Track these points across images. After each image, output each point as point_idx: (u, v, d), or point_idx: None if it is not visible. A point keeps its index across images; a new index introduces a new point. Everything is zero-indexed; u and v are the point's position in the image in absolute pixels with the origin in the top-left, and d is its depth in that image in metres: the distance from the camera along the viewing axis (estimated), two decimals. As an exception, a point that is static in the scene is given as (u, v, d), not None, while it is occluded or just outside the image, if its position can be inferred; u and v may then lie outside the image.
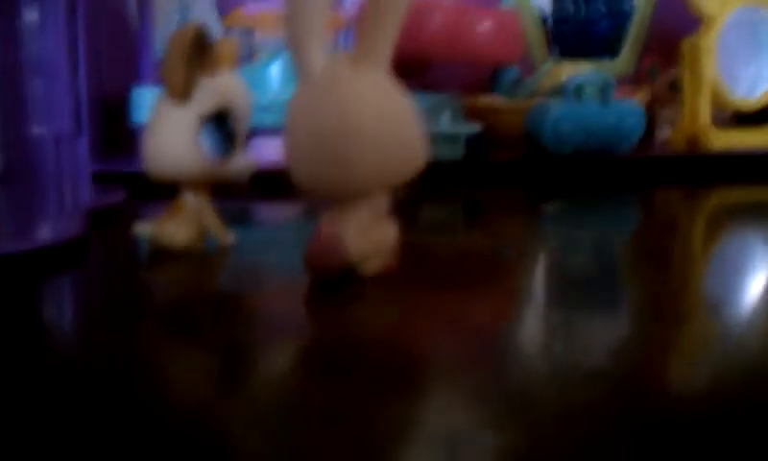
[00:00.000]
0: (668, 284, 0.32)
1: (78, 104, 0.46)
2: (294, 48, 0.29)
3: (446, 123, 0.59)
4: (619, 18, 0.82)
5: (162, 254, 0.34)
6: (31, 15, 0.44)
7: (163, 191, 0.35)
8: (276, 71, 0.57)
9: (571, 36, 0.83)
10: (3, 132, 0.44)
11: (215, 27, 0.68)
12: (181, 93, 0.31)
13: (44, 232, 0.37)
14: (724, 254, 0.40)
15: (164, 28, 0.66)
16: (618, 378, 0.21)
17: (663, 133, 0.73)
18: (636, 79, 0.81)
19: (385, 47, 0.28)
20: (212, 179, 0.34)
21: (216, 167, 0.33)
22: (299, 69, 0.29)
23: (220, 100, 0.32)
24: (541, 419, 0.18)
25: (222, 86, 0.32)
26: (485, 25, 0.62)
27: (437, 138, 0.59)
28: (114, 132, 0.62)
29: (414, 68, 0.68)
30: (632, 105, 0.64)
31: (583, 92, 0.62)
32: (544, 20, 0.82)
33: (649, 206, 0.57)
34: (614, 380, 0.20)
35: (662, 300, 0.30)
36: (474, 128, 0.61)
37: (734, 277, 0.33)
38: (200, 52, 0.31)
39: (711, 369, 0.22)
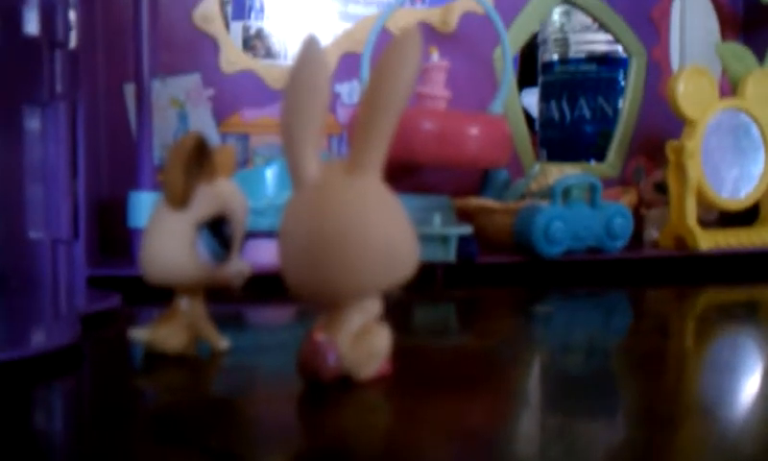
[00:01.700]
0: (662, 386, 0.32)
1: (76, 208, 0.46)
2: (289, 154, 0.29)
3: (438, 224, 0.60)
4: (604, 122, 0.84)
5: (156, 359, 0.34)
6: (32, 123, 0.45)
7: (159, 295, 0.35)
8: (270, 176, 0.58)
9: (558, 139, 0.85)
10: (0, 236, 0.44)
11: (212, 133, 0.70)
12: (180, 200, 0.32)
13: (38, 338, 0.37)
14: (716, 355, 0.40)
15: (163, 134, 0.68)
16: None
17: (651, 233, 0.74)
18: (622, 181, 0.83)
19: (378, 153, 0.29)
20: (208, 283, 0.34)
21: (212, 272, 0.33)
22: (294, 175, 0.29)
23: (217, 206, 0.33)
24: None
25: (219, 193, 0.33)
26: (474, 130, 0.64)
27: (428, 240, 0.60)
28: (111, 236, 0.62)
29: (405, 172, 0.70)
30: (619, 206, 0.65)
31: (571, 195, 0.64)
32: (532, 125, 0.84)
33: (639, 306, 0.57)
34: None
35: (657, 402, 0.30)
36: (465, 229, 0.61)
37: (728, 378, 0.34)
38: (199, 160, 0.32)
39: None
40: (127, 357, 0.37)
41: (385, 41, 0.29)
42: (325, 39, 0.74)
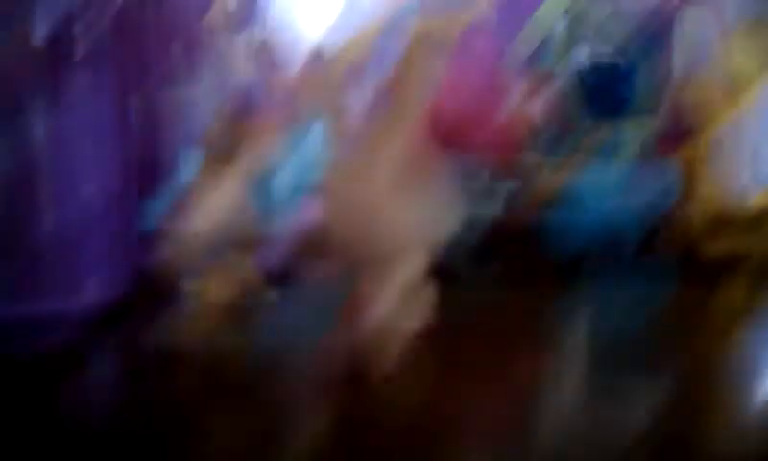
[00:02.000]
0: (707, 348, 0.32)
1: (128, 165, 0.47)
2: (332, 116, 0.30)
3: (485, 180, 0.60)
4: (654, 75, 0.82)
5: (207, 309, 0.35)
6: (84, 83, 0.46)
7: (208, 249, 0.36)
8: (316, 135, 0.58)
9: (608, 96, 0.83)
10: (55, 191, 0.45)
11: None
12: (228, 157, 0.32)
13: (93, 289, 0.38)
14: (762, 321, 0.39)
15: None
16: (661, 439, 0.21)
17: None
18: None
19: (417, 110, 0.29)
20: (257, 238, 0.34)
21: (260, 227, 0.34)
22: (335, 136, 0.30)
23: (264, 163, 0.33)
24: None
25: (266, 150, 0.33)
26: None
27: (476, 194, 0.59)
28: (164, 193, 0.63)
29: (452, 133, 0.69)
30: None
31: (621, 149, 0.62)
32: (583, 80, 0.82)
33: (688, 271, 0.56)
34: (657, 441, 0.20)
35: (701, 363, 0.29)
36: (513, 184, 0.61)
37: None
38: (246, 119, 0.32)
39: (753, 432, 0.22)
40: (178, 308, 0.38)
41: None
42: (331, 50, 0.72)
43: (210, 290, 0.35)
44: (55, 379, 0.27)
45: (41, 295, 0.35)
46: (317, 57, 0.26)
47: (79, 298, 0.35)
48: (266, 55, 0.68)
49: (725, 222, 0.74)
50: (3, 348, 0.30)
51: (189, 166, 0.57)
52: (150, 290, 0.41)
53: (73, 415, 0.22)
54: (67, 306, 0.34)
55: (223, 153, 0.32)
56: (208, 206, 0.33)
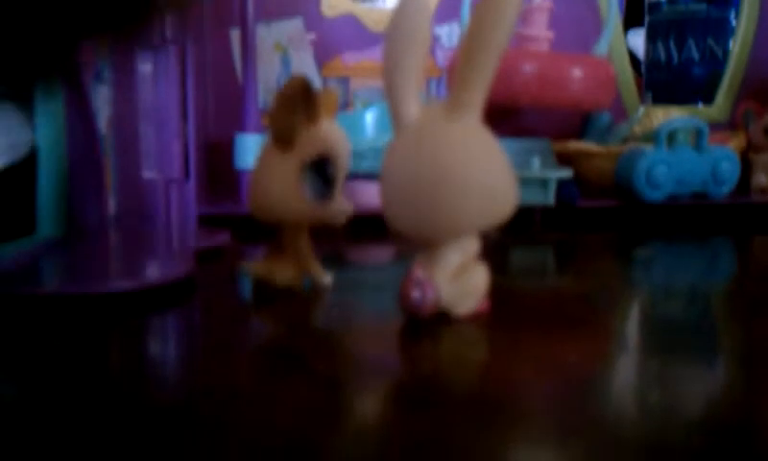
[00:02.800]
0: (765, 331, 0.32)
1: (186, 149, 0.49)
2: (390, 98, 0.30)
3: (537, 167, 0.60)
4: (713, 64, 0.81)
5: (264, 291, 0.36)
6: (146, 67, 0.47)
7: (264, 233, 0.37)
8: (371, 119, 0.59)
9: (664, 81, 0.82)
10: (118, 175, 0.47)
11: (314, 77, 0.71)
12: (287, 141, 0.33)
13: (153, 271, 0.40)
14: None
15: (267, 78, 0.69)
16: (714, 425, 0.21)
17: (760, 179, 0.72)
18: (731, 125, 0.80)
19: (478, 95, 0.29)
20: (312, 221, 0.35)
21: (316, 210, 0.34)
22: (395, 118, 0.30)
23: (321, 147, 0.34)
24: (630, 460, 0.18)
25: (323, 134, 0.34)
26: (576, 72, 0.63)
27: (528, 182, 0.59)
28: (218, 176, 0.65)
29: (506, 114, 0.69)
30: (726, 151, 0.63)
31: (676, 138, 0.62)
32: (638, 66, 0.82)
33: (744, 252, 0.55)
34: (710, 426, 0.20)
35: (759, 346, 0.29)
36: (565, 172, 0.61)
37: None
38: (304, 103, 0.33)
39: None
40: (236, 290, 0.39)
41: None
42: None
43: (268, 272, 0.36)
44: (115, 358, 0.28)
45: (102, 277, 0.37)
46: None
47: (139, 279, 0.36)
48: None
49: None
50: (64, 326, 0.31)
51: (247, 151, 0.59)
52: (209, 272, 0.43)
53: (129, 391, 0.23)
54: (128, 287, 0.35)
55: (283, 138, 0.33)
56: (266, 190, 0.34)
